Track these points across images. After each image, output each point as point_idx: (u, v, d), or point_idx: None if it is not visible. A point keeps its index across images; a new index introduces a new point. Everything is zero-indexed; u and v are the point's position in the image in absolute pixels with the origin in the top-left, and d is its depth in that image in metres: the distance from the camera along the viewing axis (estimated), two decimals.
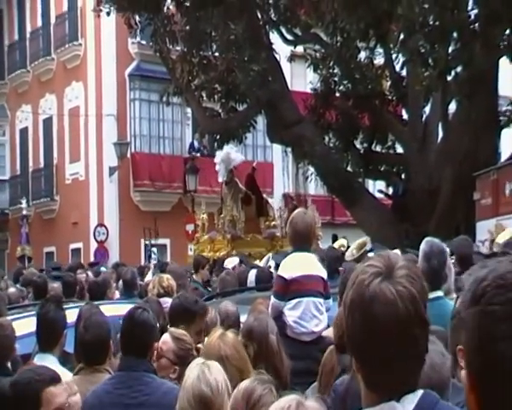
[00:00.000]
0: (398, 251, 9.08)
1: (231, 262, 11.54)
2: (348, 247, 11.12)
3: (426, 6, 12.94)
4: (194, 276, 10.34)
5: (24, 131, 29.87)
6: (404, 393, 1.76)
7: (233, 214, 16.03)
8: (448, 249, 5.62)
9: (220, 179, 17.12)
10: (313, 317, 4.95)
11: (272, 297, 5.06)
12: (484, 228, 11.77)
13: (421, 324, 1.74)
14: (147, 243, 22.08)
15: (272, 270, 9.81)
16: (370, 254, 10.51)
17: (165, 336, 4.28)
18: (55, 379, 3.45)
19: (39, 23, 29.19)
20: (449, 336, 3.15)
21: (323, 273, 5.13)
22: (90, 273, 11.18)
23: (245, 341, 4.02)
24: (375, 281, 1.74)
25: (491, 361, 1.37)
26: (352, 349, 1.81)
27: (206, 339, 4.39)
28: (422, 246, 5.35)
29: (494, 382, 1.37)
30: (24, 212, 26.30)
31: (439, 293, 5.09)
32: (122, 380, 4.03)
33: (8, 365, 5.04)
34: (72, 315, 5.07)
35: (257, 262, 11.91)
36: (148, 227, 21.21)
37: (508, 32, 13.24)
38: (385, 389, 1.76)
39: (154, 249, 20.84)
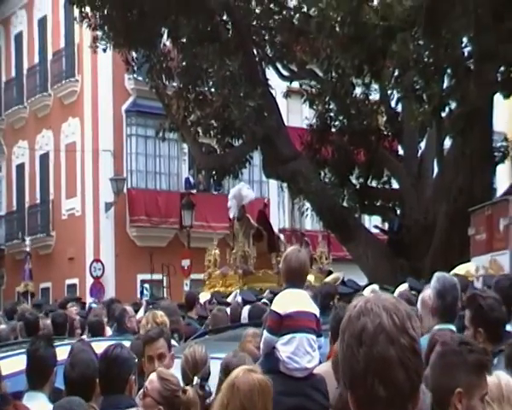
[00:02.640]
0: (376, 286, 9.07)
1: (204, 297, 11.81)
2: (343, 281, 11.07)
3: (420, 43, 13.05)
4: (189, 313, 10.25)
5: (20, 167, 29.94)
6: None
7: (244, 250, 16.29)
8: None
9: (232, 215, 17.45)
10: (306, 353, 4.93)
11: (265, 332, 5.03)
12: (479, 264, 11.73)
13: (407, 337, 1.74)
14: (165, 277, 22.16)
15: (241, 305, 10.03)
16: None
17: (152, 376, 4.27)
18: None
19: (36, 60, 29.40)
20: (433, 376, 3.10)
21: (316, 311, 5.14)
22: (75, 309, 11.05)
23: (220, 375, 4.01)
24: (361, 301, 1.82)
25: None
26: (343, 375, 1.81)
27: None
28: (434, 284, 5.33)
29: None
30: (27, 249, 26.29)
31: (451, 326, 5.05)
32: None
33: None
34: (63, 352, 5.03)
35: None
36: (168, 263, 21.42)
37: (501, 69, 13.35)
38: None
39: (147, 286, 20.78)
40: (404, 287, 9.72)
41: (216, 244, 17.40)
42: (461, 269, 8.83)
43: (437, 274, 5.48)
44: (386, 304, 1.78)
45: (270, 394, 3.51)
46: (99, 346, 5.18)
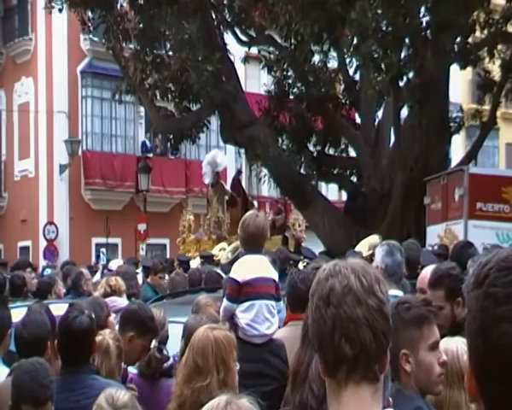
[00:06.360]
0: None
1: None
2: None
3: (379, 11, 13.06)
4: (148, 279, 10.33)
5: None
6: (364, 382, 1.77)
7: (218, 216, 16.52)
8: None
9: (206, 181, 17.70)
10: (265, 320, 4.95)
11: (224, 300, 5.04)
12: (434, 232, 11.92)
13: (375, 299, 1.78)
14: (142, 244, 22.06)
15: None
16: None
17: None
18: None
19: None
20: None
21: (275, 276, 5.15)
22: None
23: (182, 339, 4.05)
24: (330, 264, 1.86)
25: (493, 343, 1.37)
26: (312, 337, 1.84)
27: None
28: (382, 246, 5.57)
29: (495, 364, 1.37)
30: None
31: (399, 292, 5.09)
32: (63, 384, 3.92)
33: None
34: (19, 314, 4.97)
35: None
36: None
37: (458, 39, 13.45)
38: (342, 372, 1.77)
39: (103, 250, 20.67)
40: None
41: (191, 210, 17.53)
42: (364, 243, 9.15)
43: (382, 242, 5.78)
44: (355, 266, 1.82)
45: (229, 349, 3.51)
46: (55, 308, 5.14)
